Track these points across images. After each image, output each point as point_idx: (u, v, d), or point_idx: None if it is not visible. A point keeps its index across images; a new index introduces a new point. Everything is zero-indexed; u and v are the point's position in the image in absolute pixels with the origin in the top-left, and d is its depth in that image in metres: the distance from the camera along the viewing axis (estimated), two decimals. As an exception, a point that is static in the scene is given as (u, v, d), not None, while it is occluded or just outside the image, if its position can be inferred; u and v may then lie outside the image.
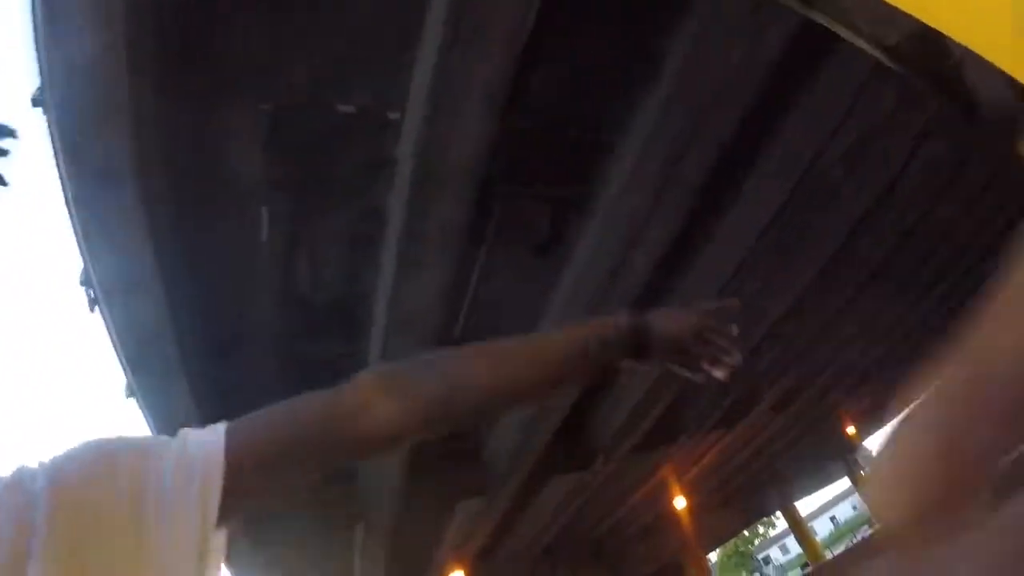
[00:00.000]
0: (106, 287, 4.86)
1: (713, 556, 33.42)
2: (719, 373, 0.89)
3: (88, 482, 0.58)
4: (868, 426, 22.28)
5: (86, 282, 5.00)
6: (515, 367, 0.79)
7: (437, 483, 8.69)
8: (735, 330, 0.89)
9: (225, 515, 0.62)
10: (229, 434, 0.66)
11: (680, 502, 14.86)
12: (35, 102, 3.73)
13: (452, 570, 11.80)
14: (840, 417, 18.27)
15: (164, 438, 0.67)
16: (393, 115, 4.47)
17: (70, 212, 4.31)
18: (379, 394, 0.72)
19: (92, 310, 5.14)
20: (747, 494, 21.59)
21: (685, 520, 17.15)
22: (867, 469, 24.58)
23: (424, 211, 4.77)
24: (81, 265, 4.89)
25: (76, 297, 5.29)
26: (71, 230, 4.47)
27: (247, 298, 5.74)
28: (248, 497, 0.65)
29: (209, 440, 0.65)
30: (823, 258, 7.70)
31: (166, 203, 4.45)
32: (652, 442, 10.43)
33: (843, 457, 23.83)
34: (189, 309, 5.30)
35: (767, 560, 50.06)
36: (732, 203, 5.95)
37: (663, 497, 14.94)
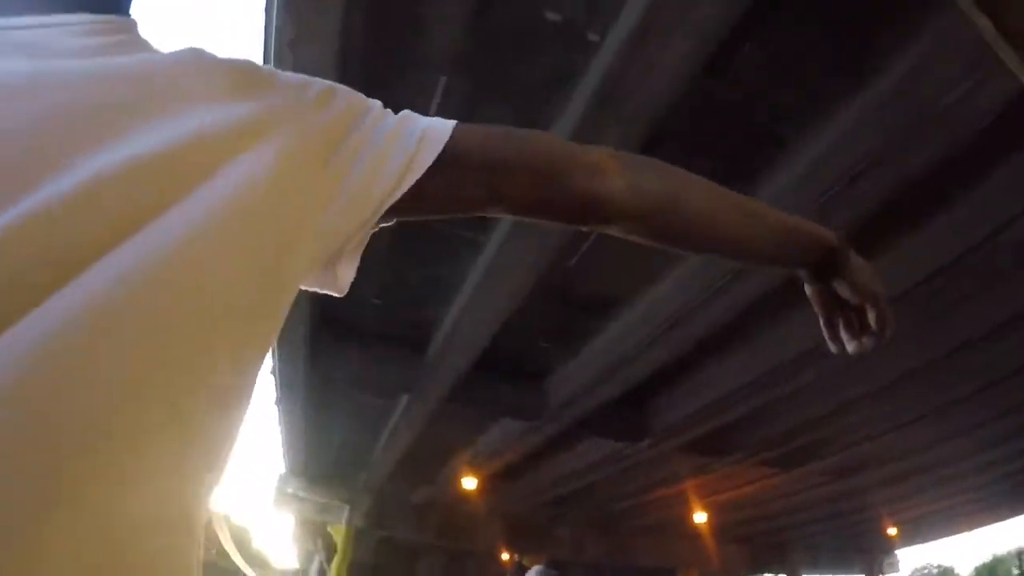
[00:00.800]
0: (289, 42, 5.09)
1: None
2: (853, 346, 0.93)
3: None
4: (909, 535, 21.27)
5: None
6: (735, 212, 0.77)
7: (493, 388, 9.02)
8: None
9: (402, 206, 0.60)
10: (459, 125, 0.66)
11: (700, 517, 14.77)
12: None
13: (469, 475, 12.28)
14: (884, 515, 17.70)
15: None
16: (593, 37, 4.51)
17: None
18: (614, 162, 0.72)
19: (266, 62, 5.45)
20: (764, 544, 21.20)
21: (699, 537, 17.09)
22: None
23: (589, 141, 4.83)
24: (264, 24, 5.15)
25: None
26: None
27: None
28: (435, 200, 0.64)
29: (437, 121, 0.66)
30: (942, 350, 7.31)
31: (359, 61, 4.68)
32: (702, 448, 10.39)
33: (872, 554, 22.92)
34: None
35: (751, 618, 48.99)
36: (886, 249, 5.71)
37: (685, 506, 14.89)
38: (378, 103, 0.65)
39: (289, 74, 0.59)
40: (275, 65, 5.04)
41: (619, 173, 0.71)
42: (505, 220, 5.91)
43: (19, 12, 0.49)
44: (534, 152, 0.69)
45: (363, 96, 0.63)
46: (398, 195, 0.59)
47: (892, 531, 18.77)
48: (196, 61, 0.52)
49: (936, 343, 7.36)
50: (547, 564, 10.88)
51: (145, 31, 0.56)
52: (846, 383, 8.31)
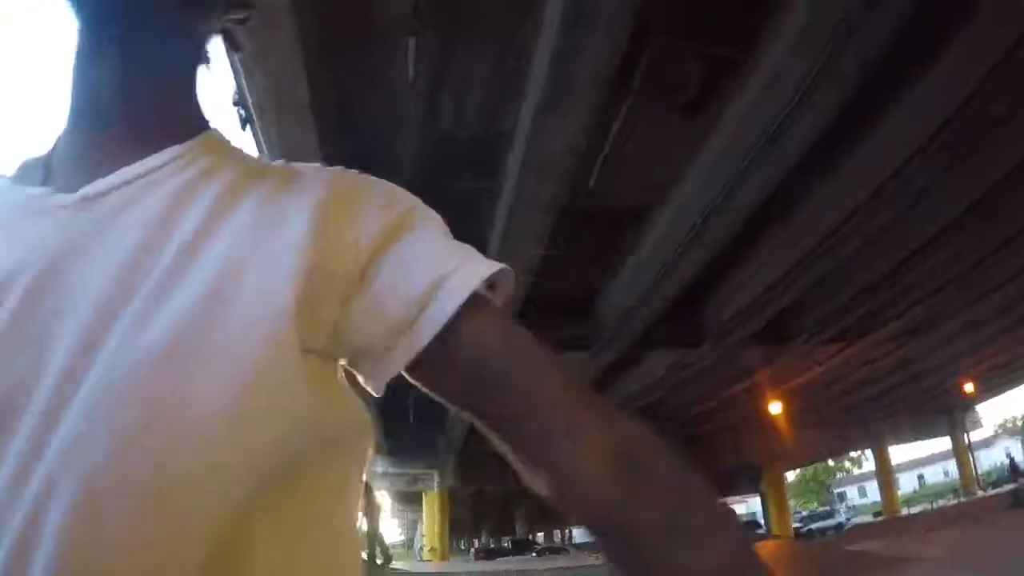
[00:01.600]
0: (260, 108, 5.15)
1: (789, 476, 33.33)
2: None
3: None
4: (986, 390, 20.99)
5: (239, 102, 5.31)
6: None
7: (543, 326, 9.07)
8: None
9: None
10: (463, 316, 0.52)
11: (776, 407, 14.78)
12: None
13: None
14: (960, 370, 17.38)
15: None
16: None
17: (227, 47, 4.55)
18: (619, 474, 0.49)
19: (244, 128, 5.46)
20: (844, 422, 21.18)
21: (778, 429, 17.14)
22: (970, 433, 23.46)
23: (571, 54, 4.73)
24: (235, 87, 5.19)
25: (228, 116, 5.61)
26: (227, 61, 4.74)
27: (391, 131, 6.00)
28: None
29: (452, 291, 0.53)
30: (1008, 164, 6.94)
31: (319, 37, 4.65)
32: (764, 338, 10.35)
33: (951, 414, 22.78)
34: (336, 137, 5.61)
35: (842, 497, 49.41)
36: (909, 89, 5.49)
37: (759, 399, 14.91)
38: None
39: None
40: (232, 48, 5.08)
41: (610, 487, 0.49)
42: (514, 161, 5.89)
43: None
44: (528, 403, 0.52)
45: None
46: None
47: (969, 387, 18.53)
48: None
49: (981, 175, 7.10)
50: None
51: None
52: (891, 245, 8.12)
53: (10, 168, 0.57)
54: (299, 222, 0.51)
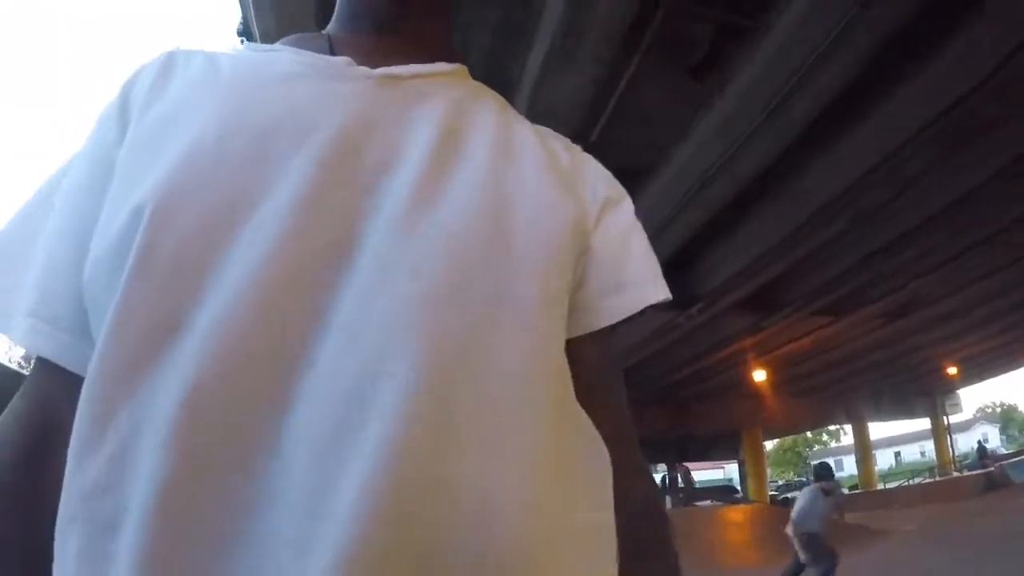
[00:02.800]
0: (265, 38, 5.12)
1: (768, 445, 33.95)
2: None
3: None
4: (968, 374, 21.32)
5: (244, 32, 5.26)
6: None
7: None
8: None
9: None
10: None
11: (759, 375, 15.01)
12: None
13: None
14: (943, 354, 17.73)
15: None
16: None
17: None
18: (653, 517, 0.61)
19: None
20: (827, 395, 21.51)
21: (760, 396, 17.44)
22: (950, 417, 23.88)
23: (585, 5, 4.73)
24: (241, 17, 5.14)
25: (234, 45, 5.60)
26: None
27: None
28: None
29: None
30: (998, 164, 7.12)
31: None
32: (753, 306, 10.49)
33: (933, 396, 23.18)
34: None
35: (821, 471, 50.43)
36: (920, 66, 5.51)
37: (744, 365, 15.13)
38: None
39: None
40: (256, 12, 4.99)
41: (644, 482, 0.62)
42: (519, 108, 5.88)
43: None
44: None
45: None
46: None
47: (952, 371, 18.84)
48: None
49: (971, 171, 7.22)
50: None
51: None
52: (885, 223, 8.25)
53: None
54: (566, 160, 0.60)
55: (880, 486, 23.44)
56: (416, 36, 0.61)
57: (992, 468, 16.77)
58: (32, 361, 0.51)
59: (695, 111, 6.18)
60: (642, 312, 0.60)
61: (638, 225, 0.64)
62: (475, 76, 0.69)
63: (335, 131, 0.49)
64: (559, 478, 0.47)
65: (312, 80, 0.53)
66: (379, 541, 0.38)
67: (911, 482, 23.49)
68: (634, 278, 0.60)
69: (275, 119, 0.49)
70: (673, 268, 8.99)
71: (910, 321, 13.32)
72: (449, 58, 0.62)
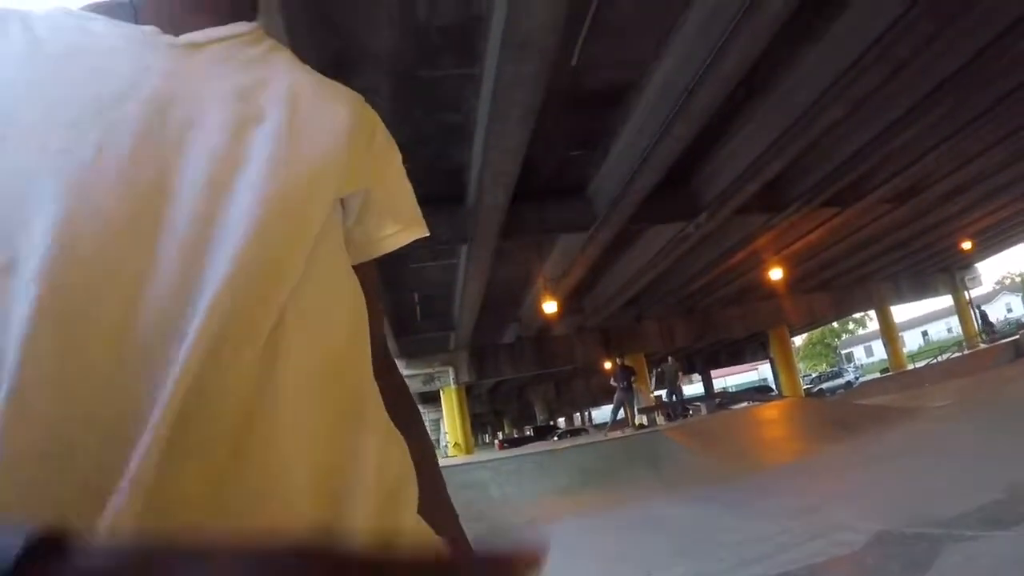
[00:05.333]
0: None
1: (797, 341, 34.10)
2: None
3: None
4: (984, 247, 21.12)
5: None
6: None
7: (540, 211, 9.25)
8: None
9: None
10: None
11: (776, 273, 14.99)
12: None
13: (547, 300, 12.81)
14: (957, 229, 17.52)
15: None
16: None
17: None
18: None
19: None
20: (846, 285, 21.52)
21: (781, 295, 17.49)
22: (971, 290, 23.78)
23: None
24: None
25: None
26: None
27: (366, 26, 5.91)
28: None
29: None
30: (993, 32, 6.99)
31: None
32: (759, 206, 10.46)
33: (951, 273, 23.04)
34: (312, 34, 5.54)
35: (849, 357, 50.76)
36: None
37: (760, 266, 15.14)
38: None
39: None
40: None
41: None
42: (493, 43, 5.82)
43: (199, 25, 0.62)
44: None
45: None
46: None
47: (967, 245, 18.68)
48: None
49: (966, 42, 7.08)
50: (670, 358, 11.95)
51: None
52: (880, 108, 8.17)
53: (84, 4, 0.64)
54: (345, 115, 0.66)
55: (910, 366, 23.54)
56: None
57: (1019, 336, 16.74)
58: None
59: (671, 21, 6.05)
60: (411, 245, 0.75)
61: (403, 171, 0.75)
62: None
63: (144, 98, 0.55)
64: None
65: (124, 47, 0.59)
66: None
67: (938, 359, 23.51)
68: (404, 218, 0.73)
69: (94, 90, 0.55)
70: (673, 181, 8.97)
71: (918, 201, 13.24)
72: (247, 16, 0.68)
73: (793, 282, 17.33)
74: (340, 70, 6.07)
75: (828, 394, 25.06)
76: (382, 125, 0.73)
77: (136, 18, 0.62)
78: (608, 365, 19.98)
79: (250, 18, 0.69)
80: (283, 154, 0.57)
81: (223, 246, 0.51)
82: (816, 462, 7.20)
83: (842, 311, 26.67)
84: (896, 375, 20.86)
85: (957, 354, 22.22)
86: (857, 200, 11.81)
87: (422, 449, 0.73)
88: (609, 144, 8.19)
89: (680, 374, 14.42)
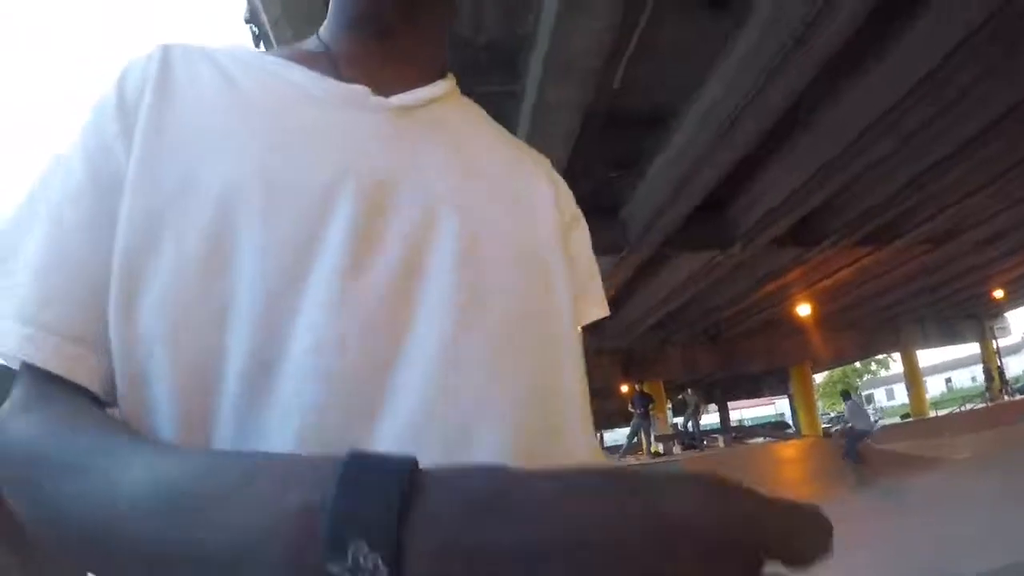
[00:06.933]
0: (274, 23, 5.06)
1: (819, 378, 33.72)
2: None
3: None
4: (1015, 296, 20.81)
5: (252, 19, 5.22)
6: None
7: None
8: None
9: None
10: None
11: (804, 309, 14.85)
12: None
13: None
14: (990, 276, 17.32)
15: None
16: None
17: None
18: None
19: (257, 46, 5.41)
20: (871, 325, 21.26)
21: (806, 331, 17.30)
22: (999, 340, 23.37)
23: None
24: (247, 4, 5.11)
25: (242, 35, 5.54)
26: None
27: None
28: None
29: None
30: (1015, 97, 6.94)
31: None
32: (793, 239, 10.37)
33: (980, 320, 22.69)
34: None
35: (870, 399, 50.10)
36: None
37: (789, 300, 15.00)
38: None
39: None
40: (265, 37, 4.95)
41: None
42: (535, 64, 5.82)
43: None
44: None
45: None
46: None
47: (998, 294, 18.49)
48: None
49: (1007, 92, 6.94)
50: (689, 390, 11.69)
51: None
52: (922, 149, 8.01)
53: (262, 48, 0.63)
54: (547, 183, 0.67)
55: (932, 413, 23.12)
56: (416, 43, 0.62)
57: None
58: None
59: (717, 49, 6.02)
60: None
61: (589, 240, 0.74)
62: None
63: (369, 172, 0.51)
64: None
65: (335, 109, 0.55)
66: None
67: (962, 408, 23.06)
68: (591, 295, 0.72)
69: (313, 154, 0.51)
70: (707, 209, 8.90)
71: (954, 245, 13.02)
72: (443, 67, 0.65)
73: (820, 318, 17.14)
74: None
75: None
76: (568, 190, 0.74)
77: (336, 70, 0.58)
78: (625, 388, 19.84)
79: (445, 67, 0.66)
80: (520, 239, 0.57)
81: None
82: (834, 507, 7.00)
83: (867, 351, 26.33)
84: (917, 421, 20.51)
85: (981, 405, 21.81)
86: (891, 240, 11.65)
87: None
88: (646, 168, 8.14)
89: (701, 405, 14.30)
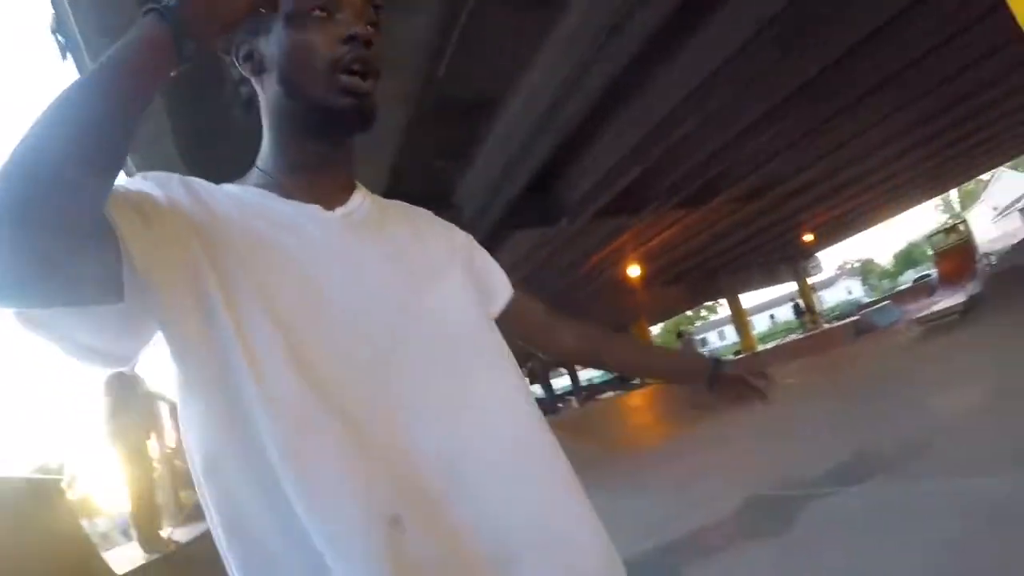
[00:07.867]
0: (84, 33, 4.75)
1: (655, 330, 35.69)
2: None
3: None
4: (823, 239, 23.30)
5: (59, 29, 4.86)
6: (637, 354, 1.39)
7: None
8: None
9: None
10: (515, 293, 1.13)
11: (634, 271, 15.77)
12: None
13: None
14: (799, 224, 19.14)
15: None
16: None
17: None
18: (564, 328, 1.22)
19: (64, 58, 5.04)
20: (698, 277, 22.79)
21: (638, 290, 18.41)
22: (813, 277, 25.87)
23: None
24: (53, 14, 4.76)
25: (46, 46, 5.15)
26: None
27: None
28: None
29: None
30: (824, 62, 7.89)
31: None
32: (617, 209, 10.95)
33: (794, 262, 25.17)
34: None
35: (704, 342, 54.01)
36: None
37: (620, 264, 15.88)
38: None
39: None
40: (73, 10, 4.55)
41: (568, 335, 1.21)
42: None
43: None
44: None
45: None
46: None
47: (808, 237, 20.45)
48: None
49: (811, 58, 7.82)
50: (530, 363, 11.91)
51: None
52: (732, 117, 8.77)
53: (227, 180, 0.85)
54: (447, 234, 1.01)
55: (760, 347, 25.28)
56: (337, 173, 0.89)
57: (858, 317, 17.92)
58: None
59: (538, 38, 6.28)
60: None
61: (482, 249, 1.07)
62: None
63: (342, 262, 0.80)
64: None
65: (308, 224, 0.81)
66: None
67: (787, 340, 25.20)
68: (497, 286, 1.05)
69: (316, 255, 0.79)
70: (536, 189, 9.28)
71: (766, 200, 14.31)
72: (354, 181, 0.92)
73: (650, 277, 18.23)
74: (209, 88, 5.79)
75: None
76: (454, 226, 1.06)
77: (285, 194, 0.83)
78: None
79: (354, 180, 0.93)
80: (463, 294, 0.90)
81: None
82: (683, 443, 7.66)
83: (696, 300, 28.30)
84: (747, 356, 22.27)
85: (802, 335, 23.91)
86: (707, 200, 12.55)
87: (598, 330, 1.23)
88: (475, 154, 8.34)
89: (548, 372, 14.83)
